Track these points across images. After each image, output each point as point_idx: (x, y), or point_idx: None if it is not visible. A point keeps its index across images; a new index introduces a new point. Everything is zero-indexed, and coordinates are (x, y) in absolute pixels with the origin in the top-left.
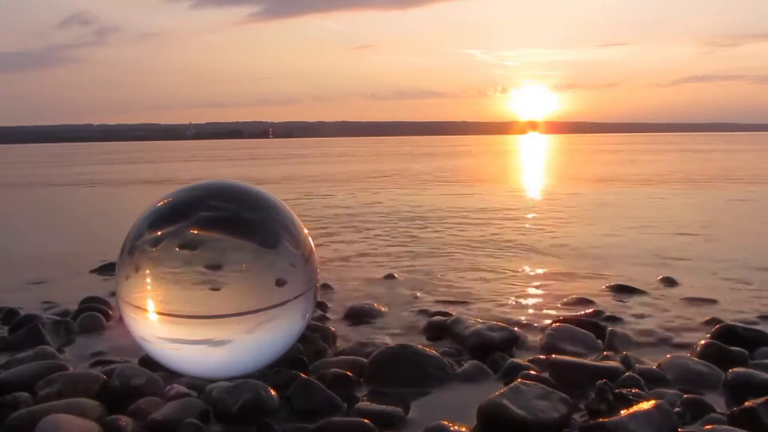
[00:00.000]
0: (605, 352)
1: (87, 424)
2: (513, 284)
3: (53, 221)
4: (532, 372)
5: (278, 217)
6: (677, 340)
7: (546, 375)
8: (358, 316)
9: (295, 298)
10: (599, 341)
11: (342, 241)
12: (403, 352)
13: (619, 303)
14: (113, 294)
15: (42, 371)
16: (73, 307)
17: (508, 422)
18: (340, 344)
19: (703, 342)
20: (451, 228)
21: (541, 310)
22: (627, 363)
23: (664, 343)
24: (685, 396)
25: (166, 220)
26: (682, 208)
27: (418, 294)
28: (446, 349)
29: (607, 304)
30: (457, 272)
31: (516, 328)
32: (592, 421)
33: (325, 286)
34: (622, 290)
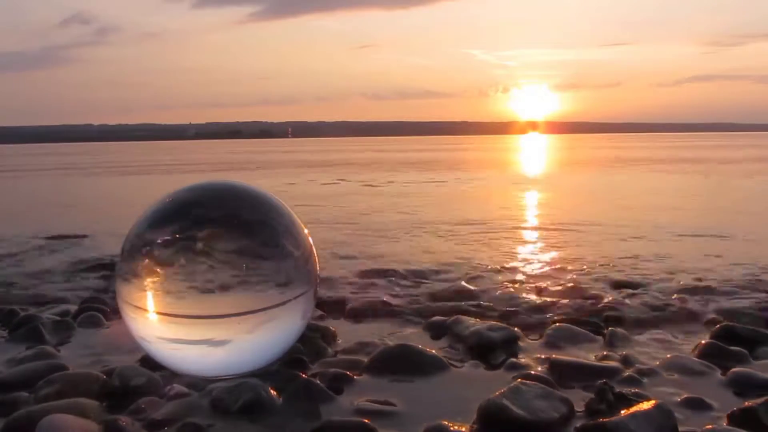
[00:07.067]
0: (605, 352)
1: (87, 424)
2: (513, 284)
3: None
4: (532, 372)
5: (278, 217)
6: (677, 339)
7: (546, 375)
8: (358, 315)
9: (295, 298)
10: (599, 341)
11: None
12: (403, 351)
13: (620, 303)
14: (113, 294)
15: (42, 371)
16: (73, 307)
17: (508, 422)
18: (340, 344)
19: (703, 342)
20: (450, 227)
21: (542, 309)
22: (627, 363)
23: (664, 342)
24: (685, 396)
25: (166, 220)
26: (687, 209)
27: (418, 294)
28: (446, 348)
29: (608, 303)
30: (459, 272)
31: (516, 328)
32: (592, 421)
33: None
34: (623, 290)
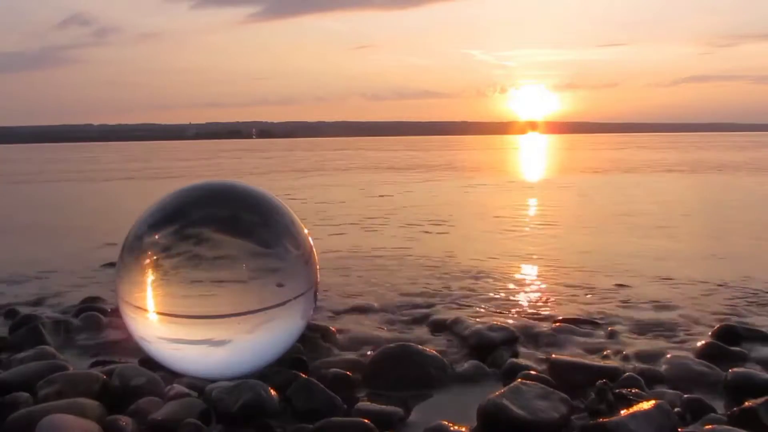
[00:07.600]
0: (605, 352)
1: (87, 424)
2: (513, 285)
3: None
4: (532, 372)
5: (278, 217)
6: (678, 339)
7: (546, 375)
8: (359, 315)
9: (294, 298)
10: (599, 341)
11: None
12: (403, 352)
13: (620, 303)
14: (114, 294)
15: (42, 371)
16: (73, 306)
17: (509, 422)
18: (340, 344)
19: (703, 342)
20: (450, 228)
21: (542, 309)
22: (627, 363)
23: (664, 343)
24: (685, 396)
25: (166, 221)
26: (687, 211)
27: (418, 294)
28: (446, 348)
29: (608, 304)
30: (458, 273)
31: (516, 328)
32: (592, 421)
33: (325, 286)
34: (623, 291)
